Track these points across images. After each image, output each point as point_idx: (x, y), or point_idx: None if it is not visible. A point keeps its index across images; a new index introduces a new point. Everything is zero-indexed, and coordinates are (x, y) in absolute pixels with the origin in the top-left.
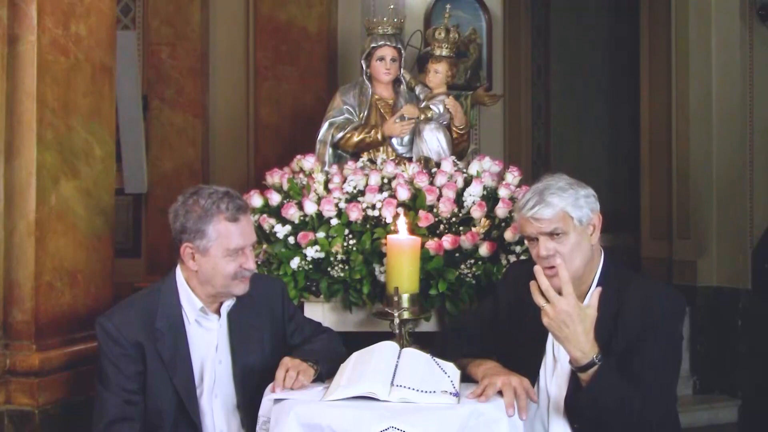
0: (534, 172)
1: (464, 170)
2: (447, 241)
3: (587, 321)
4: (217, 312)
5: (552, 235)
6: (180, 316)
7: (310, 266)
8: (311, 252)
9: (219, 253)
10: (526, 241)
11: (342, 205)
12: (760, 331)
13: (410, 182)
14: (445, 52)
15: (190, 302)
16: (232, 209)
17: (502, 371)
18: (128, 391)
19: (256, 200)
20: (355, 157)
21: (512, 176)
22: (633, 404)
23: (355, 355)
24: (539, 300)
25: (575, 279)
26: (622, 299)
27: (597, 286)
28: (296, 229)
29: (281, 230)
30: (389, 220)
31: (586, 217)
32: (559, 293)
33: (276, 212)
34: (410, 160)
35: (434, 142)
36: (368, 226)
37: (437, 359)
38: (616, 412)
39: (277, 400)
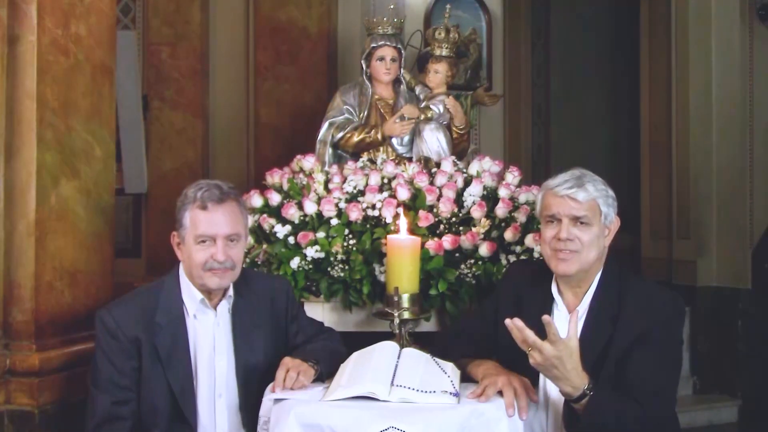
0: (534, 172)
1: (464, 170)
2: (447, 241)
3: (574, 355)
4: (215, 308)
5: (577, 221)
6: (181, 310)
7: (310, 266)
8: (311, 252)
9: (191, 241)
10: (541, 223)
11: (342, 205)
12: (760, 331)
13: (410, 182)
14: (445, 52)
15: (190, 295)
16: (205, 198)
17: (503, 371)
18: (120, 387)
19: (256, 200)
20: (355, 157)
21: (512, 176)
22: (631, 420)
23: (355, 355)
24: (524, 347)
25: (582, 272)
26: (621, 303)
27: (597, 288)
28: (296, 229)
29: (281, 230)
30: (389, 220)
31: (609, 216)
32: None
33: (276, 212)
34: (410, 160)
35: (434, 142)
36: (368, 226)
37: (437, 359)
38: (615, 430)
39: (277, 400)
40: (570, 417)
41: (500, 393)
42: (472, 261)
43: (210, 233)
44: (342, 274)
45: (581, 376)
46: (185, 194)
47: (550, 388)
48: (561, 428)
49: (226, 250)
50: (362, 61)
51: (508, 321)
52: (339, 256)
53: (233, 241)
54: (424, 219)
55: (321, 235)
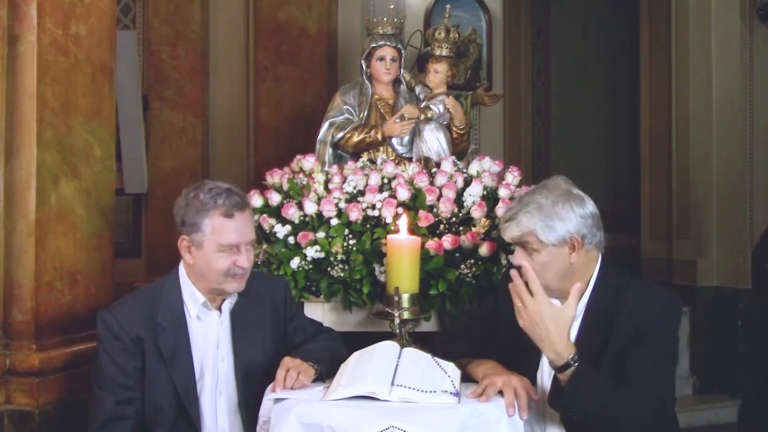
0: (534, 172)
1: (464, 170)
2: (447, 241)
3: (560, 321)
4: (219, 308)
5: (524, 247)
6: (182, 311)
7: (310, 266)
8: (311, 252)
9: (212, 248)
10: None
11: (342, 205)
12: (760, 331)
13: (410, 182)
14: (445, 52)
15: (192, 297)
16: (228, 205)
17: (503, 371)
18: (124, 387)
19: (256, 200)
20: (355, 157)
21: (512, 176)
22: (616, 408)
23: (355, 355)
24: (516, 300)
25: (549, 292)
26: (618, 304)
27: (593, 291)
28: (296, 229)
29: (281, 230)
30: (389, 220)
31: (558, 238)
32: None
33: (276, 212)
34: (410, 160)
35: (434, 142)
36: (368, 226)
37: (437, 359)
38: (597, 415)
39: (277, 400)
40: (554, 392)
41: (500, 393)
42: (472, 261)
43: (236, 241)
44: (342, 274)
45: (566, 346)
46: (200, 199)
47: (548, 387)
48: (560, 428)
49: (249, 256)
50: (362, 61)
51: (513, 271)
52: (339, 256)
53: (252, 246)
54: (424, 219)
55: (321, 235)
